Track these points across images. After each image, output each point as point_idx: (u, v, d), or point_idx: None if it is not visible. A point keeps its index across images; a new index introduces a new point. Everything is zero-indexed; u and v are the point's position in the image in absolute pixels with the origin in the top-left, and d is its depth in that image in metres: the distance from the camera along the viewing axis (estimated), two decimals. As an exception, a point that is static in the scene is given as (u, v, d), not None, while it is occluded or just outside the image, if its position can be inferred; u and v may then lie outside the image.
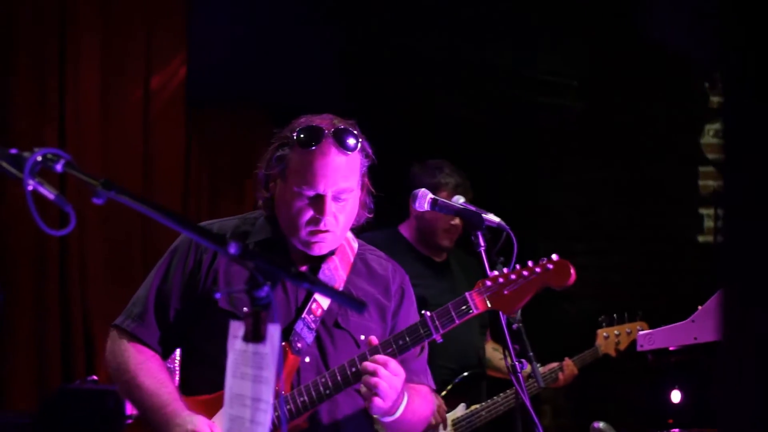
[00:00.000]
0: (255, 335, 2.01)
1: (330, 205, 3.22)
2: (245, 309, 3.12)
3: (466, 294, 3.28)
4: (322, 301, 3.30)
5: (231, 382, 2.06)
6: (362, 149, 3.29)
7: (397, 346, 3.21)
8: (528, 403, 3.34)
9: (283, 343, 3.20)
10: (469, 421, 5.06)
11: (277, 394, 2.05)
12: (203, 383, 3.25)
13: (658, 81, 7.37)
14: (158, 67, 6.83)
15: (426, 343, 3.39)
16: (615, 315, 5.46)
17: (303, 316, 3.27)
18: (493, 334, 5.47)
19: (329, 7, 7.00)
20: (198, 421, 3.15)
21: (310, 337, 3.27)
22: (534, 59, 7.46)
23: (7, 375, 6.15)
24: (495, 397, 5.10)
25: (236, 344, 2.06)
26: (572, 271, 3.29)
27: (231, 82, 7.02)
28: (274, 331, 2.02)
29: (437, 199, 3.60)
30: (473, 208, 3.52)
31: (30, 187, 2.04)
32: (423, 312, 3.29)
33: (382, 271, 3.47)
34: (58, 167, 2.06)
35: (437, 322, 3.24)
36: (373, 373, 3.11)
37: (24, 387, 6.25)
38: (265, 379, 2.01)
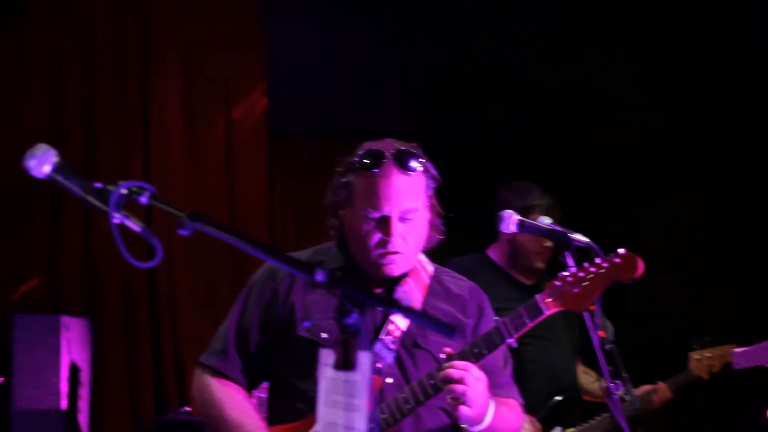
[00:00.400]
0: (346, 363, 2.00)
1: (396, 226, 3.22)
2: (323, 335, 3.16)
3: (536, 296, 3.26)
4: (400, 322, 3.29)
5: (323, 411, 2.04)
6: (425, 170, 3.30)
7: (473, 355, 3.19)
8: (625, 426, 3.28)
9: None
10: (567, 445, 4.99)
11: (372, 419, 2.03)
12: (288, 412, 3.26)
13: (741, 94, 7.26)
14: (239, 98, 6.90)
15: (509, 354, 3.39)
16: (706, 338, 5.35)
17: (380, 337, 3.27)
18: (584, 358, 5.39)
19: (411, 36, 7.02)
20: (283, 449, 3.16)
21: (389, 358, 3.27)
22: (616, 76, 7.41)
23: (101, 407, 6.21)
24: (591, 420, 5.02)
25: (327, 372, 2.04)
26: (640, 262, 3.22)
27: (312, 112, 7.05)
28: (364, 358, 2.00)
29: (524, 221, 3.58)
30: (560, 229, 3.50)
31: (116, 221, 2.05)
32: (495, 318, 3.28)
33: (459, 290, 3.46)
34: (143, 200, 2.07)
35: (509, 326, 3.22)
36: (459, 381, 3.09)
37: (118, 418, 6.33)
38: (357, 406, 1.99)
